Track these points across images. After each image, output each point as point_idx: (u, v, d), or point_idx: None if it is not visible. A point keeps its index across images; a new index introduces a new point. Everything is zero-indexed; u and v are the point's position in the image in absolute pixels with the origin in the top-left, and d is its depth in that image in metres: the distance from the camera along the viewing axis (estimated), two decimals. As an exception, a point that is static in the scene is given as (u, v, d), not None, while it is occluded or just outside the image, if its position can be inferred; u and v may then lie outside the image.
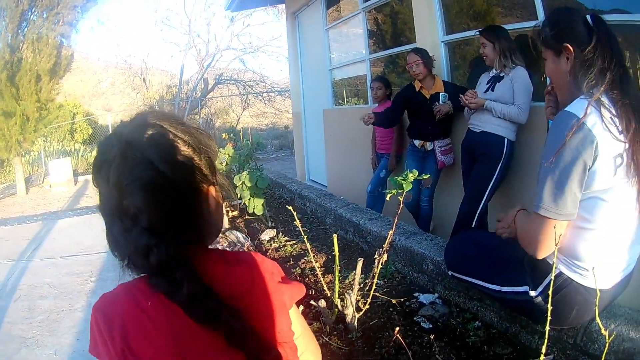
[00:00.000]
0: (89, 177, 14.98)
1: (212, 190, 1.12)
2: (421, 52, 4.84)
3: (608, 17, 2.06)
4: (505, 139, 4.01)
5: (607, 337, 1.61)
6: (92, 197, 11.45)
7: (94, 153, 1.07)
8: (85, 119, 23.75)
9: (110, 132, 1.09)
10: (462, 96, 4.12)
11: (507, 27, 4.20)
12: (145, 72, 28.70)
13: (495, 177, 4.03)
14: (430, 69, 4.90)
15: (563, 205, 1.90)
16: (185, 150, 1.05)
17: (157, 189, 0.99)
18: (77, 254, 5.52)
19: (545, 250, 2.03)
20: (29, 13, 13.07)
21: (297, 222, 2.88)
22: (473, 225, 4.08)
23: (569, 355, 2.33)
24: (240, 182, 5.20)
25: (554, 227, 1.93)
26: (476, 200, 4.10)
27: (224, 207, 1.25)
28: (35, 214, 9.93)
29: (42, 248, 5.99)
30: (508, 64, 4.00)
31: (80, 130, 22.72)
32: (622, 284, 2.11)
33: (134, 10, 64.04)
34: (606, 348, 1.68)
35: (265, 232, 5.07)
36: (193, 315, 0.97)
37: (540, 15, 3.97)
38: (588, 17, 2.00)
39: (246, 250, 1.09)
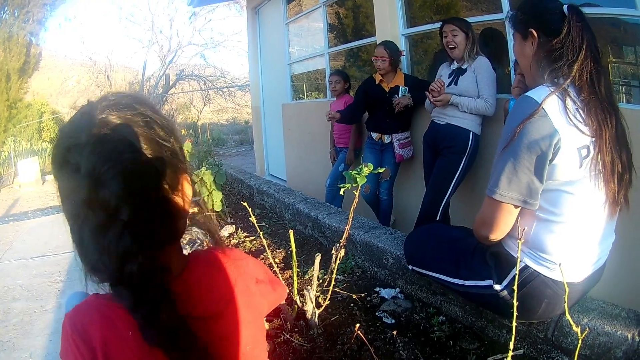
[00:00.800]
0: None
1: (187, 178, 1.01)
2: (390, 49, 4.74)
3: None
4: (471, 132, 3.95)
5: (579, 334, 1.55)
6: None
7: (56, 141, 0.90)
8: (52, 117, 23.47)
9: (77, 112, 0.93)
10: (429, 92, 4.02)
11: (472, 19, 4.18)
12: (109, 69, 28.45)
13: (459, 171, 3.97)
14: (395, 65, 4.84)
15: (517, 191, 1.88)
16: (161, 132, 0.94)
17: (140, 175, 0.87)
18: (46, 254, 5.47)
19: (497, 234, 2.04)
20: (2, 12, 12.88)
21: (253, 219, 2.84)
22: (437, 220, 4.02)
23: (541, 350, 2.30)
24: (199, 178, 5.10)
25: (507, 212, 1.95)
26: (440, 196, 4.02)
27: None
28: (7, 214, 10.06)
29: (13, 249, 5.90)
30: (472, 54, 3.94)
31: (48, 129, 22.52)
32: (593, 277, 2.08)
33: (100, 6, 63.26)
34: (579, 344, 1.63)
35: (224, 228, 4.97)
36: (147, 335, 0.86)
37: (505, 7, 3.95)
38: (565, 7, 1.95)
39: (230, 248, 1.00)
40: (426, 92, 4.07)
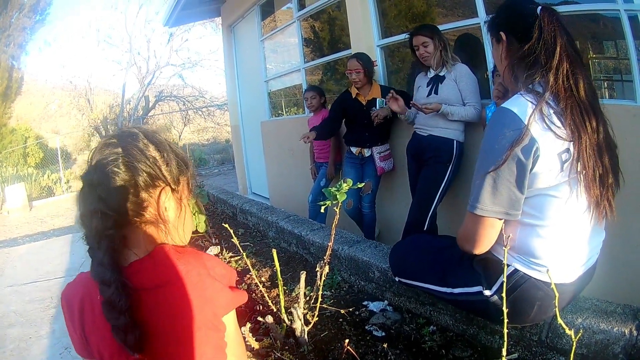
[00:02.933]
0: (43, 201, 15.28)
1: (168, 190, 1.35)
2: (362, 60, 4.71)
3: (559, 9, 1.98)
4: (455, 141, 3.94)
5: (572, 336, 1.53)
6: (47, 222, 12.28)
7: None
8: (37, 142, 23.39)
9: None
10: (416, 104, 3.97)
11: (449, 25, 4.23)
12: (89, 92, 28.31)
13: (445, 180, 3.94)
14: (370, 77, 4.81)
15: (499, 204, 1.86)
16: (152, 152, 1.33)
17: (117, 170, 1.26)
18: (37, 280, 5.48)
19: (482, 249, 2.02)
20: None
21: (235, 240, 2.79)
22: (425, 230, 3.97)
23: (536, 352, 2.27)
24: (181, 201, 5.06)
25: (490, 227, 1.92)
26: (426, 206, 3.97)
27: (184, 214, 1.47)
28: None
29: (5, 276, 5.95)
30: (448, 59, 3.93)
31: (33, 154, 22.42)
32: (585, 277, 2.05)
33: (78, 29, 63.16)
34: (573, 347, 1.60)
35: (209, 249, 4.90)
36: (93, 275, 1.21)
37: (481, 12, 3.96)
38: (538, 9, 1.90)
39: (203, 254, 1.27)
40: (413, 102, 4.04)
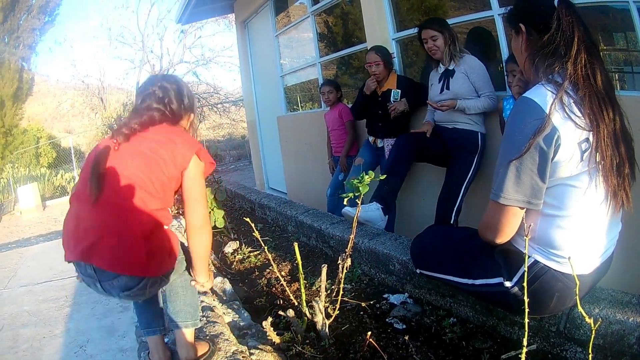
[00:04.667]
0: (57, 201, 15.37)
1: (192, 115, 2.51)
2: (381, 52, 4.71)
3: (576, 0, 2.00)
4: (479, 133, 3.95)
5: (592, 325, 1.54)
6: (61, 221, 11.67)
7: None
8: (49, 142, 23.46)
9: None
10: (432, 103, 4.01)
11: (461, 18, 4.24)
12: (102, 91, 28.35)
13: (471, 171, 3.95)
14: (389, 69, 4.79)
15: (522, 193, 1.88)
16: (190, 94, 2.48)
17: (173, 91, 2.33)
18: (51, 279, 5.45)
19: (503, 238, 2.04)
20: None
21: (257, 234, 2.81)
22: (452, 221, 3.99)
23: (554, 343, 2.28)
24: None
25: (512, 215, 1.95)
26: (454, 196, 3.99)
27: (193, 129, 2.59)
28: (9, 241, 10.18)
29: (18, 276, 5.93)
30: (457, 52, 3.94)
31: (45, 154, 22.46)
32: (602, 268, 2.07)
33: (89, 29, 63.45)
34: (592, 335, 1.62)
35: (228, 244, 4.95)
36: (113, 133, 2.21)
37: (494, 4, 3.94)
38: (555, 1, 1.93)
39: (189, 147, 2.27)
40: (428, 102, 4.07)
